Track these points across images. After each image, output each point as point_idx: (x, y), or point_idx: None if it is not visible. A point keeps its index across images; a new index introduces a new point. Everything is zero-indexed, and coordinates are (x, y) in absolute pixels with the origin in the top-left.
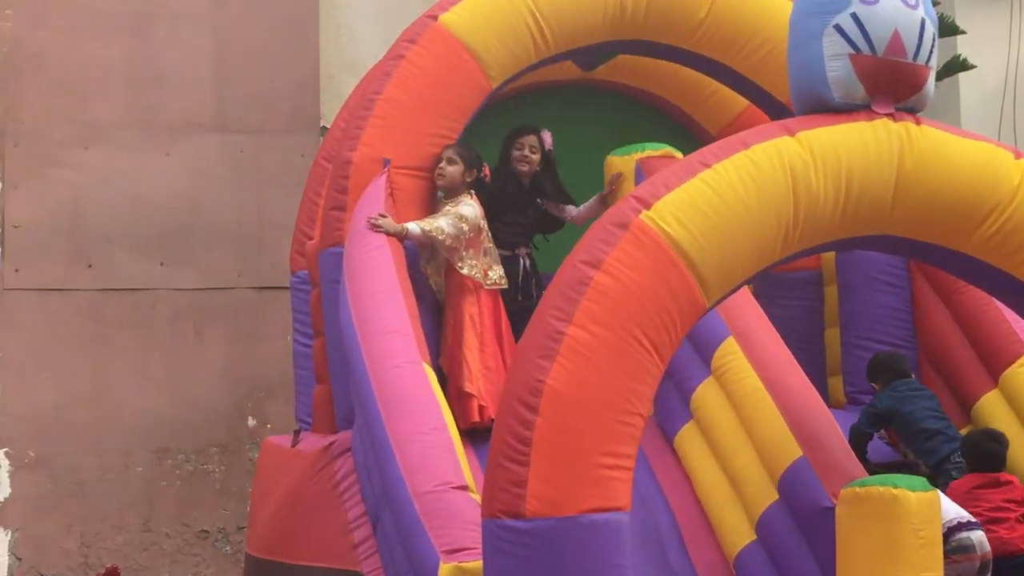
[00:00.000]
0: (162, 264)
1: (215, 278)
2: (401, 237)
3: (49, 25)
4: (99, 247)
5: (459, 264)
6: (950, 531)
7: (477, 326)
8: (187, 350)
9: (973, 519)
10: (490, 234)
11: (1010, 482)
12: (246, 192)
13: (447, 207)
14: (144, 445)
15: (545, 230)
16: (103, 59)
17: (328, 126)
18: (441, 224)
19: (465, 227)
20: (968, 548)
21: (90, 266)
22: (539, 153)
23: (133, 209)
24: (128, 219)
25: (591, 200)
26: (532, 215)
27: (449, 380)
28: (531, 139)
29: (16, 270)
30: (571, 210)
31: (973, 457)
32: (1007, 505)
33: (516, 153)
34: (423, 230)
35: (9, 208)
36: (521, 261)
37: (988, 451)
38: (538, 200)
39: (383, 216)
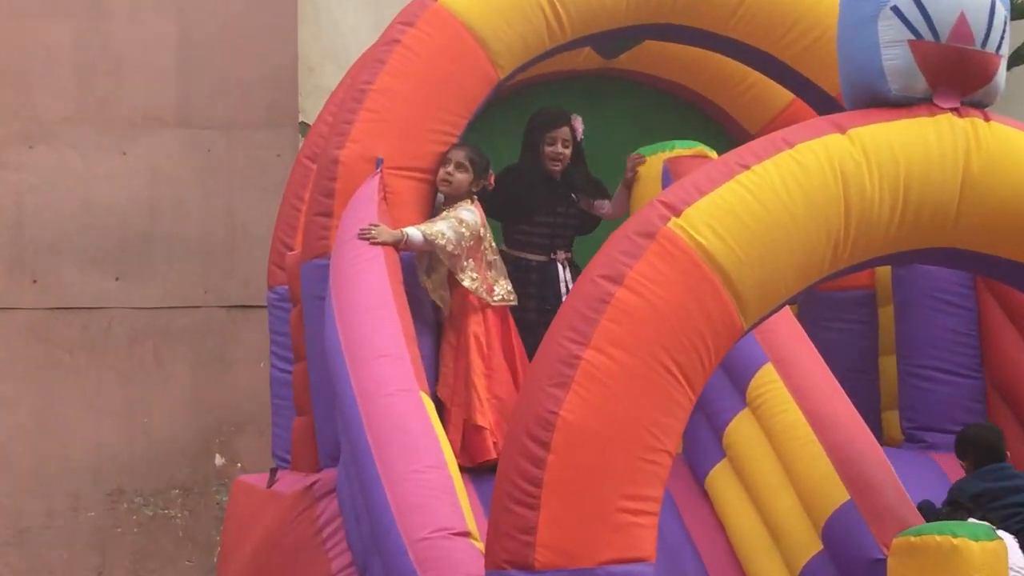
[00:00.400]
0: (117, 279)
1: (179, 295)
2: (399, 246)
3: None
4: (45, 259)
5: (460, 275)
6: None
7: (484, 349)
8: (146, 378)
9: None
10: (494, 244)
11: None
12: (215, 196)
13: (444, 212)
14: (96, 486)
15: (580, 230)
16: (50, 44)
17: (307, 121)
18: (441, 228)
19: (466, 232)
20: None
21: (35, 281)
22: (571, 146)
23: (84, 216)
24: (79, 227)
25: (619, 191)
26: (566, 213)
27: (451, 411)
28: (564, 131)
29: None
30: (603, 205)
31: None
32: None
33: (548, 149)
34: (424, 235)
35: None
36: (560, 269)
37: None
38: (572, 196)
39: (376, 225)
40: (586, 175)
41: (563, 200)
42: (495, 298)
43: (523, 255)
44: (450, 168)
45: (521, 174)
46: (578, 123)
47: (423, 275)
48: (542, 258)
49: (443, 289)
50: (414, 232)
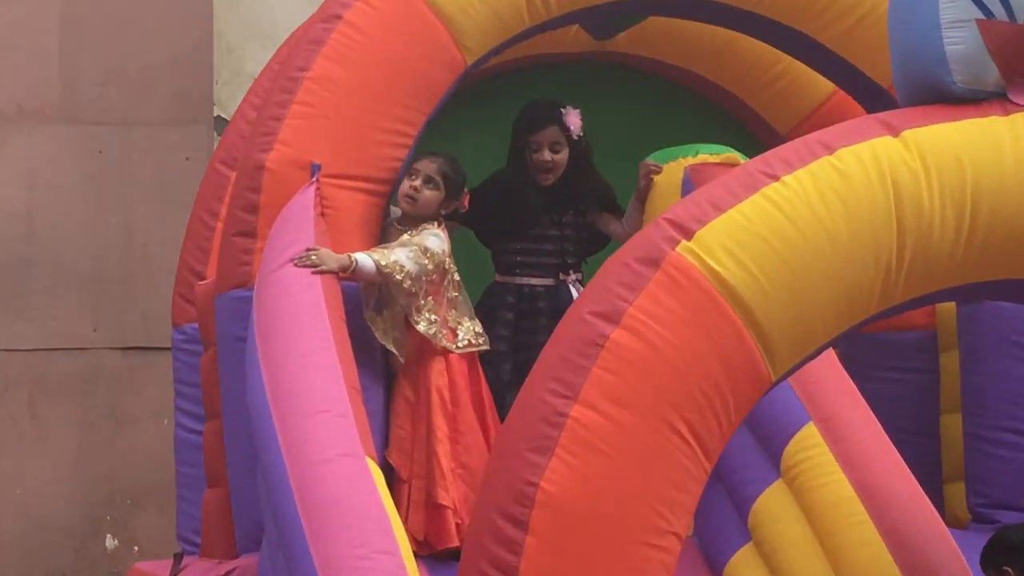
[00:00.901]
0: None
1: (61, 334)
2: (345, 275)
3: None
4: None
5: (415, 317)
6: None
7: (448, 406)
8: (19, 438)
9: None
10: (458, 278)
11: None
12: (107, 209)
13: (404, 236)
14: None
15: (591, 246)
16: None
17: (224, 116)
18: (400, 258)
19: (429, 266)
20: None
21: None
22: (564, 149)
23: None
24: None
25: (631, 205)
26: (575, 224)
27: (409, 485)
28: (551, 132)
29: None
30: (610, 222)
31: None
32: None
33: (534, 157)
34: (377, 265)
35: None
36: (573, 293)
37: None
38: (580, 205)
39: (315, 249)
40: (593, 179)
41: (568, 209)
42: (459, 344)
43: (526, 281)
44: (417, 182)
45: (509, 184)
46: (572, 117)
47: (370, 312)
48: (550, 282)
49: (397, 330)
50: (364, 259)
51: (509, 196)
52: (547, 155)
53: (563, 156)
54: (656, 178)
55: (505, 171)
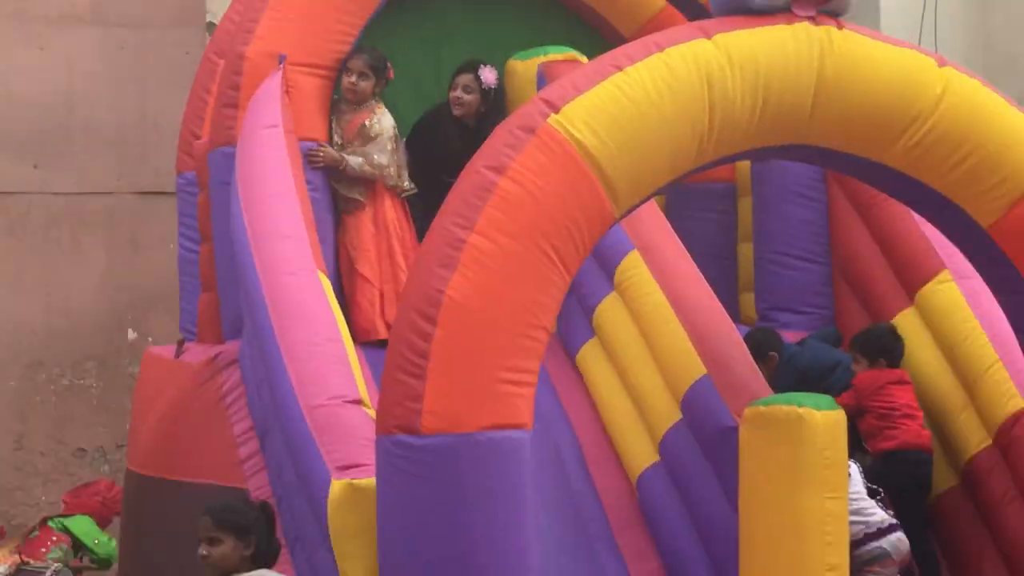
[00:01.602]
0: (36, 167)
1: (94, 182)
2: (339, 168)
3: None
4: None
5: (390, 182)
6: (867, 539)
7: (399, 232)
8: (63, 258)
9: (894, 521)
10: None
11: (910, 382)
12: (128, 90)
13: (364, 122)
14: (16, 359)
15: None
16: None
17: (214, 21)
18: (381, 160)
19: (390, 146)
20: (883, 556)
21: None
22: (475, 93)
23: (4, 108)
24: None
25: None
26: None
27: (375, 286)
28: (465, 78)
29: None
30: None
31: (876, 350)
32: (915, 404)
33: (451, 94)
34: (364, 171)
35: None
36: None
37: (891, 347)
38: None
39: (322, 146)
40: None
41: None
42: (406, 189)
43: None
44: (353, 78)
45: (433, 127)
46: (487, 73)
47: (333, 179)
48: None
49: (359, 185)
50: (354, 161)
51: (434, 131)
52: (459, 92)
53: (472, 98)
54: (518, 71)
55: (433, 108)
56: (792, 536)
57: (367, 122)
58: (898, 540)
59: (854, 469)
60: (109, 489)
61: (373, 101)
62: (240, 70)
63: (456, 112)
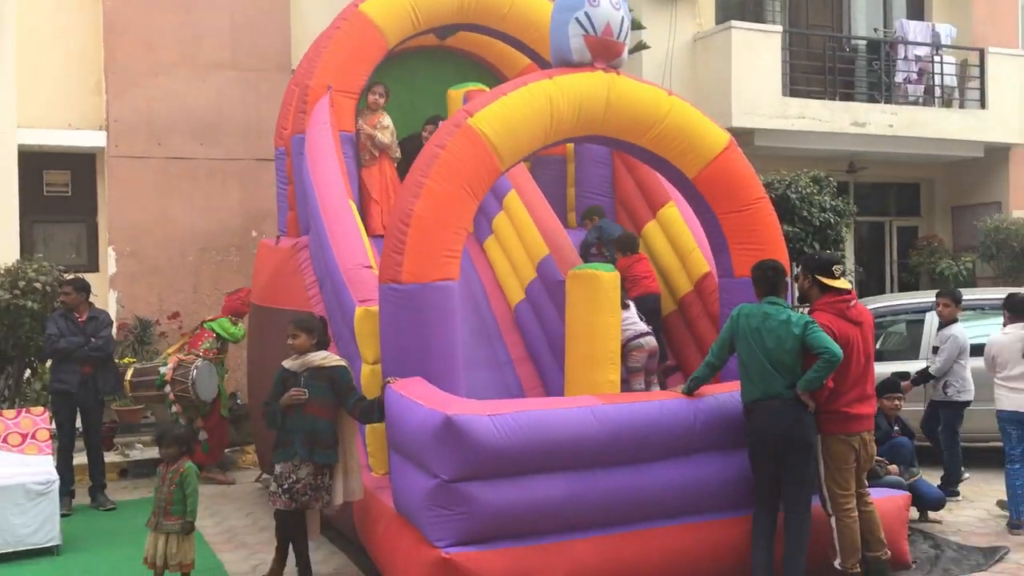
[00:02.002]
0: (201, 144)
1: (233, 153)
2: (373, 143)
3: None
4: None
5: (390, 152)
6: (632, 338)
7: (391, 178)
8: (217, 194)
9: (648, 330)
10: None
11: (645, 258)
12: (250, 105)
13: (378, 120)
14: (193, 246)
15: None
16: None
17: (294, 68)
18: (384, 141)
19: (391, 134)
20: (640, 346)
21: None
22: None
23: (185, 115)
24: None
25: None
26: None
27: (378, 203)
28: (430, 126)
29: None
30: None
31: (621, 246)
32: (650, 271)
33: (422, 133)
34: (380, 144)
35: None
36: None
37: (632, 244)
38: None
39: (375, 131)
40: None
41: None
42: (396, 158)
43: None
44: (377, 96)
45: (411, 141)
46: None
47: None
48: None
49: (375, 152)
50: (380, 139)
51: (411, 144)
52: (426, 134)
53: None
54: (453, 95)
55: (410, 136)
56: (592, 337)
57: (380, 120)
58: (649, 339)
59: (632, 307)
60: (247, 294)
61: (383, 109)
62: (307, 93)
63: (424, 139)
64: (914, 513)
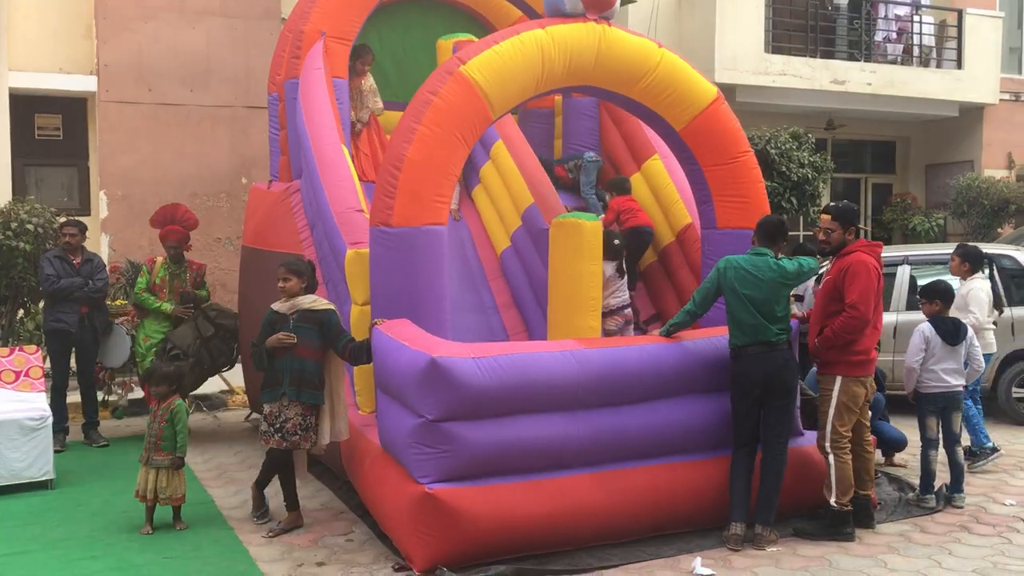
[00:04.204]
0: (191, 90)
1: (224, 100)
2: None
3: None
4: None
5: (376, 109)
6: (617, 308)
7: (377, 130)
8: (208, 140)
9: (626, 303)
10: None
11: (633, 199)
12: (240, 52)
13: (363, 83)
14: (183, 190)
15: None
16: None
17: (285, 17)
18: (380, 103)
19: (376, 94)
20: (621, 310)
21: None
22: None
23: (175, 60)
24: None
25: None
26: None
27: (367, 155)
28: None
29: None
30: None
31: (615, 188)
32: (639, 207)
33: None
34: (377, 107)
35: None
36: None
37: (624, 186)
38: None
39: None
40: None
41: None
42: (381, 110)
43: None
44: (365, 65)
45: None
46: None
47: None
48: None
49: (365, 107)
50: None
51: None
52: None
53: None
54: (443, 45)
55: None
56: (574, 284)
57: (365, 81)
58: (629, 311)
59: (626, 278)
60: (177, 212)
61: (368, 71)
62: (301, 39)
63: None
64: (881, 457)
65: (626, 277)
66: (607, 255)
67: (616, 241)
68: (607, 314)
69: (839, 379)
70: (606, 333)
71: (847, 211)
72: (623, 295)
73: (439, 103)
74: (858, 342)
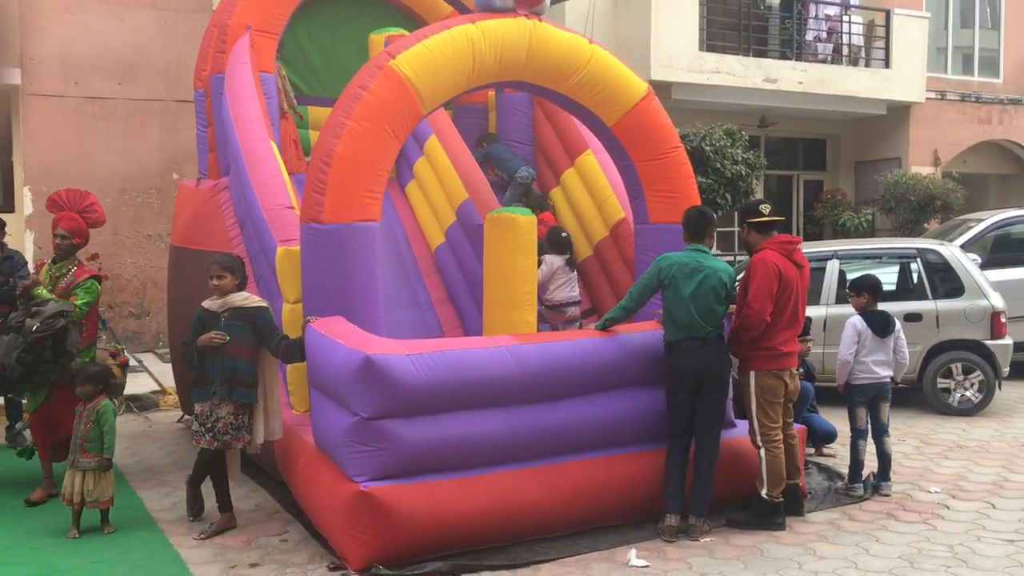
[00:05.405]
0: (120, 84)
1: (153, 94)
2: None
3: None
4: None
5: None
6: (564, 303)
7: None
8: (137, 135)
9: (578, 299)
10: None
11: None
12: (168, 45)
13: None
14: (111, 187)
15: None
16: None
17: (214, 8)
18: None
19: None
20: (564, 312)
21: None
22: None
23: (102, 54)
24: None
25: None
26: None
27: (287, 148)
28: None
29: None
30: None
31: (534, 207)
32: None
33: None
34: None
35: None
36: None
37: (540, 201)
38: None
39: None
40: None
41: None
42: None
43: None
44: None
45: None
46: None
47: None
48: None
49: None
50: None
51: None
52: None
53: None
54: (374, 39)
55: None
56: (509, 279)
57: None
58: (575, 310)
59: (576, 273)
60: (75, 198)
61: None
62: (226, 33)
63: None
64: (811, 448)
65: (575, 274)
66: (555, 249)
67: (564, 234)
68: (554, 307)
69: (753, 374)
70: (544, 327)
71: (740, 212)
72: (571, 291)
73: (369, 98)
74: (768, 337)
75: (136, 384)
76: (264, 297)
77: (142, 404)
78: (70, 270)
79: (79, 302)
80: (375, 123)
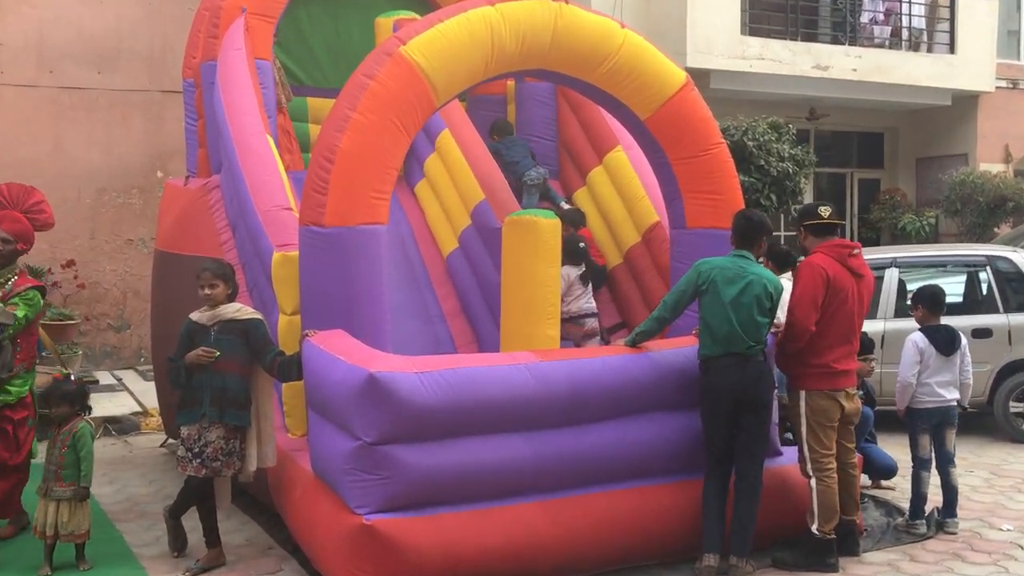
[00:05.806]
0: (99, 73)
1: (136, 83)
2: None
3: None
4: None
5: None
6: (579, 315)
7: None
8: (118, 128)
9: (592, 311)
10: None
11: (589, 233)
12: (155, 30)
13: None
14: (90, 185)
15: None
16: None
17: None
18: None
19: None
20: (582, 324)
21: None
22: None
23: (80, 39)
24: None
25: None
26: None
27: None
28: None
29: None
30: None
31: (570, 221)
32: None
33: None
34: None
35: None
36: None
37: (579, 217)
38: None
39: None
40: None
41: None
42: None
43: None
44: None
45: None
46: None
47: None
48: None
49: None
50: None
51: None
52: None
53: None
54: (382, 23)
55: None
56: (529, 288)
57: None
58: (593, 322)
59: (591, 285)
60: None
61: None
62: (219, 16)
63: None
64: (866, 480)
65: (590, 286)
66: (571, 259)
67: (581, 244)
68: (571, 319)
69: (803, 393)
70: (566, 343)
71: (799, 214)
72: (588, 301)
73: (376, 88)
74: (819, 352)
75: (115, 405)
76: (258, 308)
77: (122, 427)
78: (9, 279)
79: (19, 313)
80: (383, 115)
